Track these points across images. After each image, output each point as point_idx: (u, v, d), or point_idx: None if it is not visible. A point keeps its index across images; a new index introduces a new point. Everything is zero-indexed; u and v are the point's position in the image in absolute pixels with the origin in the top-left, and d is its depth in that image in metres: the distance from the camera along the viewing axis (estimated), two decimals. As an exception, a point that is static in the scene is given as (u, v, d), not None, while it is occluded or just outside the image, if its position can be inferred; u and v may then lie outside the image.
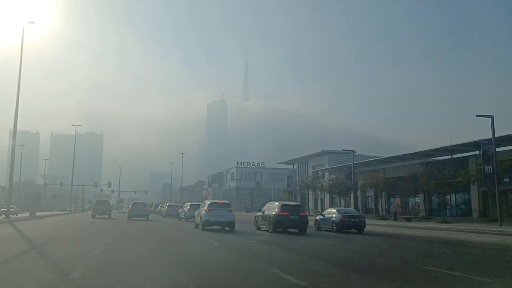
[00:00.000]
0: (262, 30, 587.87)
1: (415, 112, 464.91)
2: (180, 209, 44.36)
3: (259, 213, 27.07)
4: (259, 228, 26.35)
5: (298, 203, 27.73)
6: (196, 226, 27.19)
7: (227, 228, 25.00)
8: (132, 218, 39.93)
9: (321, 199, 61.53)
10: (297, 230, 24.30)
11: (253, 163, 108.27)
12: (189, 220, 36.47)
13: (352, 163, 44.36)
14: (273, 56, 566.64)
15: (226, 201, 28.86)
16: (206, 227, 24.97)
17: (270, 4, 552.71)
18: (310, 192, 59.91)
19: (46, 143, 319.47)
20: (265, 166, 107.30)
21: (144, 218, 40.13)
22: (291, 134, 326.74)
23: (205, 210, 25.71)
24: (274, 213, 24.30)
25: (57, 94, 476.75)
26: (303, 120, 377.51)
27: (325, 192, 56.48)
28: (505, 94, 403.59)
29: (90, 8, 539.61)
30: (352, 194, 52.32)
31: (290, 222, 24.05)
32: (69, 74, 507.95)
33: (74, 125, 71.09)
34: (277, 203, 25.76)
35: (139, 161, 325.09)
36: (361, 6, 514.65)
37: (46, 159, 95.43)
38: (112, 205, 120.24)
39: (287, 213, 23.94)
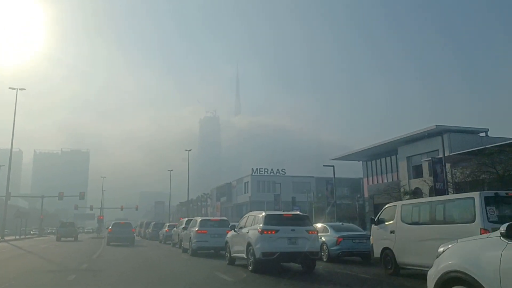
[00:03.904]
0: (252, 44, 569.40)
1: (405, 124, 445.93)
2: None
3: None
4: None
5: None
6: None
7: None
8: (111, 243, 29.32)
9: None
10: None
11: (271, 170, 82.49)
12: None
13: None
14: (263, 71, 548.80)
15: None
16: None
17: (260, 19, 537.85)
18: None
19: (29, 162, 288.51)
20: (286, 174, 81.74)
21: (128, 243, 29.57)
22: (286, 148, 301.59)
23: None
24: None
25: (42, 112, 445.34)
26: (295, 134, 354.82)
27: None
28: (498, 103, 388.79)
29: (74, 25, 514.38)
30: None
31: None
32: (53, 92, 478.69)
33: (14, 88, 42.48)
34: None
35: (127, 179, 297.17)
36: (350, 20, 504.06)
37: (1, 166, 67.43)
38: (87, 228, 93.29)
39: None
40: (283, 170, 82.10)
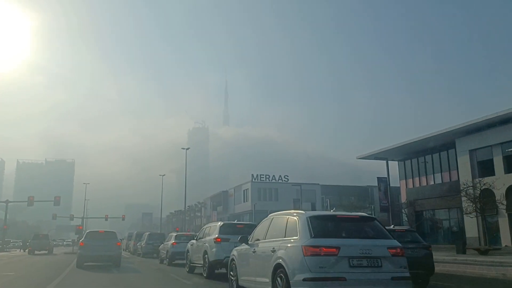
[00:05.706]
0: (239, 54, 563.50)
1: (390, 137, 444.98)
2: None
3: None
4: None
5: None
6: None
7: None
8: (85, 264, 17.89)
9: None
10: None
11: (273, 176, 73.85)
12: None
13: None
14: (250, 81, 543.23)
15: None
16: None
17: (247, 29, 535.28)
18: None
19: (12, 172, 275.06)
20: (289, 181, 73.11)
21: (110, 263, 18.21)
22: (273, 160, 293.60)
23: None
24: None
25: (25, 121, 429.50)
26: (282, 145, 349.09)
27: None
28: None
29: (57, 33, 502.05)
30: None
31: None
32: (36, 101, 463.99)
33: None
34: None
35: (113, 190, 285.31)
36: (336, 32, 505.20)
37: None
38: (68, 240, 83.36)
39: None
40: (286, 177, 73.57)
